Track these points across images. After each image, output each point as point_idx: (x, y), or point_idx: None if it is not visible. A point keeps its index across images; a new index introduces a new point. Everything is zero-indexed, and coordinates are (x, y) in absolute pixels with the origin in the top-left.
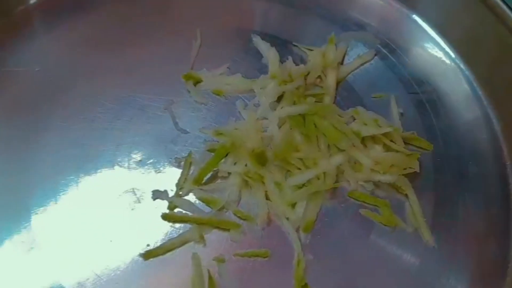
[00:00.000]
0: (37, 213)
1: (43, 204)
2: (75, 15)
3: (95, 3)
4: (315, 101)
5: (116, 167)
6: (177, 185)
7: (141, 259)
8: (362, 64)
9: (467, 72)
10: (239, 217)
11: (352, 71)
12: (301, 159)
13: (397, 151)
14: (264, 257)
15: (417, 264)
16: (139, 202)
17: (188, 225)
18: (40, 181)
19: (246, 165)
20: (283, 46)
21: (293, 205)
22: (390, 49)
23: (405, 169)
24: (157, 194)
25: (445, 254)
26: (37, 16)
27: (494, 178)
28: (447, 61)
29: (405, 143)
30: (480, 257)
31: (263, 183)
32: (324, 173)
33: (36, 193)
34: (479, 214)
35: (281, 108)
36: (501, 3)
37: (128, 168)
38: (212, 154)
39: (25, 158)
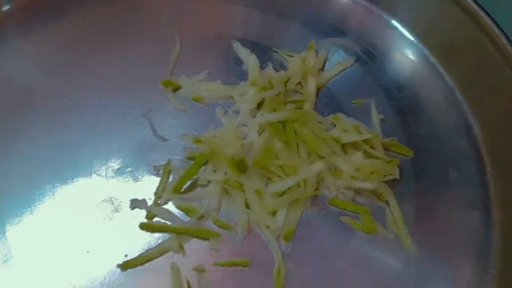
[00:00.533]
0: (12, 224)
1: (18, 215)
2: (50, 22)
3: (70, 10)
4: (295, 108)
5: (93, 176)
6: (155, 193)
7: (119, 270)
8: (342, 71)
9: (447, 78)
10: (219, 226)
11: (333, 77)
12: (281, 166)
13: (377, 158)
14: (245, 266)
15: (398, 270)
16: (117, 211)
17: (167, 235)
18: (15, 191)
19: (225, 173)
20: (263, 52)
21: (274, 213)
22: (370, 55)
23: (385, 175)
24: (135, 203)
25: (426, 260)
26: (11, 22)
27: (474, 184)
28: (427, 67)
29: (385, 149)
30: (462, 263)
31: (243, 191)
32: (305, 180)
33: (10, 203)
34: (460, 220)
35: (261, 115)
36: (479, 10)
37: (106, 176)
38: (192, 162)
39: None
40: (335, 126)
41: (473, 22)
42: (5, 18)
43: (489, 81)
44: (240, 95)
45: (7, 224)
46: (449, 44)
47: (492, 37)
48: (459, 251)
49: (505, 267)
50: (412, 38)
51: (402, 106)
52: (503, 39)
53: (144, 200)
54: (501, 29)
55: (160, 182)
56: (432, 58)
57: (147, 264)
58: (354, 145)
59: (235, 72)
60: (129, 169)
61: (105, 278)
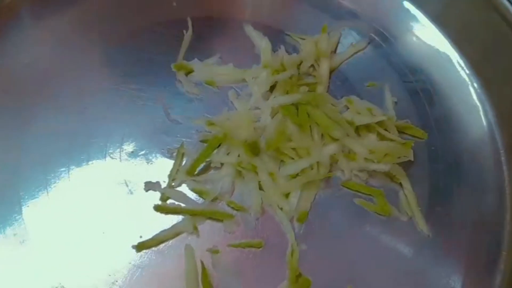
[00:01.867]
0: (28, 206)
1: (35, 197)
2: (64, 7)
3: None
4: (308, 91)
5: (108, 159)
6: (169, 176)
7: (133, 250)
8: (355, 53)
9: (461, 60)
10: (232, 207)
11: (345, 60)
12: (294, 148)
13: (391, 140)
14: (258, 248)
15: (411, 253)
16: (131, 193)
17: (181, 217)
18: (31, 174)
19: (239, 156)
20: (275, 35)
21: (287, 195)
22: (383, 38)
23: (399, 158)
24: (150, 186)
25: (439, 242)
26: (25, 8)
27: (488, 166)
28: (441, 49)
29: (399, 132)
30: (474, 245)
31: (256, 173)
32: (318, 162)
33: (27, 185)
34: (473, 202)
35: (274, 97)
36: None
37: (120, 159)
38: (205, 144)
39: (15, 151)
40: (348, 108)
41: (487, 3)
42: (19, 4)
43: (504, 63)
44: (252, 78)
45: (24, 206)
46: (463, 26)
47: (507, 18)
48: (472, 233)
49: None
50: (425, 20)
51: (416, 88)
52: None
53: (158, 182)
54: None
55: (174, 164)
56: (446, 40)
57: (161, 245)
58: (368, 128)
59: (247, 56)
60: (143, 152)
61: (120, 258)
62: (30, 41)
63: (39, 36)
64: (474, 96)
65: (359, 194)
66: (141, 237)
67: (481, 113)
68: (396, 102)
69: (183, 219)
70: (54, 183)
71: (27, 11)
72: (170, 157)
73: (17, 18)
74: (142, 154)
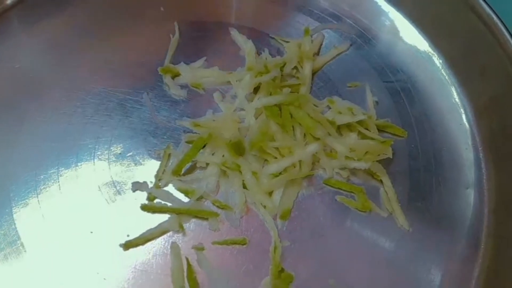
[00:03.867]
0: (18, 207)
1: (25, 198)
2: (53, 12)
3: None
4: (291, 92)
5: (96, 160)
6: (156, 176)
7: (121, 249)
8: (337, 55)
9: (440, 60)
10: (217, 206)
11: (328, 61)
12: (277, 148)
13: (371, 139)
14: (242, 245)
15: (392, 248)
16: (119, 194)
17: (167, 215)
18: (21, 175)
19: (223, 156)
20: (260, 39)
21: (270, 194)
22: (365, 39)
23: (379, 155)
24: (137, 186)
25: (419, 237)
26: (14, 14)
27: (467, 163)
28: (421, 50)
29: (380, 130)
30: (453, 239)
31: (240, 172)
32: (300, 161)
33: (17, 187)
34: (453, 198)
35: (258, 99)
36: None
37: (108, 161)
38: (191, 145)
39: (5, 154)
40: (330, 108)
41: (464, 4)
42: (9, 9)
43: (481, 62)
44: (237, 81)
45: (14, 208)
46: (441, 26)
47: (483, 18)
48: (451, 228)
49: (496, 243)
50: (405, 22)
51: (396, 88)
52: (495, 19)
53: (145, 182)
54: (492, 9)
55: (160, 165)
56: (425, 41)
57: (148, 244)
58: (349, 127)
59: (232, 59)
60: (130, 154)
61: (107, 257)
62: (20, 44)
63: (29, 40)
64: (453, 94)
65: (341, 191)
66: (128, 236)
67: (460, 110)
68: (377, 102)
69: (169, 218)
70: (43, 185)
71: (16, 16)
72: (157, 158)
73: (7, 25)
74: (130, 156)
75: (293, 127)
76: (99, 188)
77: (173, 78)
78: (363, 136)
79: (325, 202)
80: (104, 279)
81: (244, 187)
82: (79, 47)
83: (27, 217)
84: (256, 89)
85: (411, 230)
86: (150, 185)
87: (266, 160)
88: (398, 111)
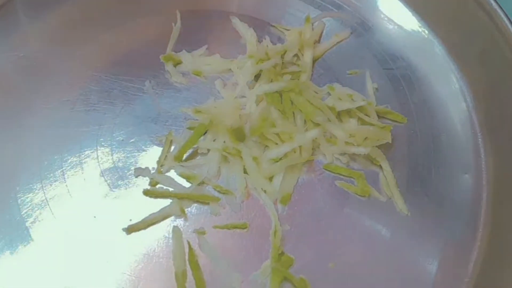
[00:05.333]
0: (23, 193)
1: (29, 183)
2: (57, 1)
3: None
4: (292, 79)
5: (99, 147)
6: (158, 162)
7: (124, 233)
8: (338, 43)
9: (440, 47)
10: (218, 191)
11: (329, 49)
12: (277, 134)
13: (371, 124)
14: (243, 229)
15: (390, 232)
16: (122, 179)
17: (169, 200)
18: (25, 162)
19: (224, 142)
20: (261, 27)
21: (271, 179)
22: (365, 27)
23: (378, 141)
24: (139, 171)
25: (418, 222)
26: (20, 2)
27: (466, 149)
28: (421, 37)
29: (379, 116)
30: (452, 224)
31: (241, 158)
32: (300, 147)
33: (21, 174)
34: (451, 183)
35: (259, 86)
36: None
37: (111, 147)
38: (192, 132)
39: (9, 141)
40: (330, 95)
41: None
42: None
43: (479, 47)
44: (238, 68)
45: (19, 193)
46: (441, 13)
47: (483, 4)
48: (450, 212)
49: (495, 227)
50: (405, 9)
51: (396, 74)
52: (493, 5)
53: (147, 168)
54: None
55: (162, 151)
56: (425, 28)
57: (150, 228)
58: (349, 113)
59: (234, 47)
60: (133, 140)
61: (111, 241)
62: (24, 33)
63: (33, 29)
64: (452, 80)
65: (340, 176)
66: (131, 220)
67: (460, 97)
68: (377, 89)
69: (171, 203)
70: (47, 170)
71: (21, 6)
72: (159, 144)
73: (10, 11)
74: (132, 142)
75: (293, 113)
76: (102, 173)
77: (175, 66)
78: (363, 122)
79: (325, 187)
80: (107, 261)
81: (245, 172)
82: (83, 36)
83: (31, 202)
84: (257, 77)
85: (410, 214)
86: (152, 171)
87: (266, 146)
88: (398, 98)
